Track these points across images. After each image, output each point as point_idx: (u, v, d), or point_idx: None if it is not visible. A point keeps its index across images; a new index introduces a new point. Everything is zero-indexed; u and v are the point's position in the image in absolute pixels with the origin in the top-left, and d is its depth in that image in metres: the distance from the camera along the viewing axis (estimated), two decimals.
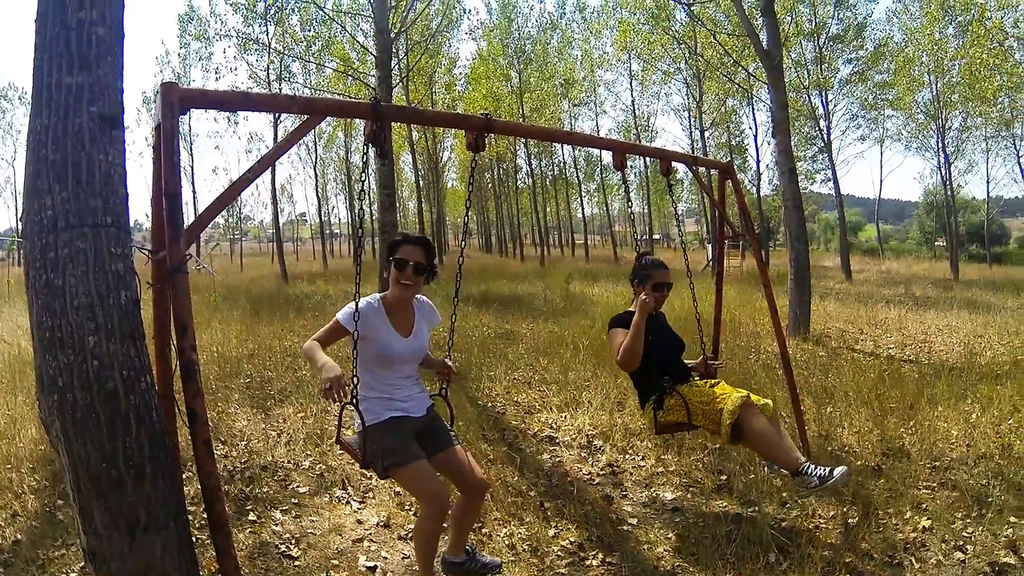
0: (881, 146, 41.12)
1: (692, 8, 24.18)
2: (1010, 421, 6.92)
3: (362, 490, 5.64)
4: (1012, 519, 4.79)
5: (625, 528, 5.01)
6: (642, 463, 6.22)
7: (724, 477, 5.71)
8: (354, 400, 3.78)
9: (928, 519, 4.84)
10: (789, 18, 27.67)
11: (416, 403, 4.10)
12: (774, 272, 21.54)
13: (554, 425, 7.36)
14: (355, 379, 3.82)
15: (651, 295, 5.02)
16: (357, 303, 3.81)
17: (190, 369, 3.00)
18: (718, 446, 6.23)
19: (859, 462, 5.91)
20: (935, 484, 5.50)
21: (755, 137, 36.16)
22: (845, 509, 5.02)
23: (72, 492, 2.98)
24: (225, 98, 3.54)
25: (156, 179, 3.32)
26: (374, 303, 3.96)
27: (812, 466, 4.47)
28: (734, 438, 4.80)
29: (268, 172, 30.07)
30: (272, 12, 29.23)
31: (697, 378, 5.41)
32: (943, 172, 34.90)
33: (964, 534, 4.66)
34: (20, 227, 3.20)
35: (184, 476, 4.11)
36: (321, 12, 27.09)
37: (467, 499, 4.03)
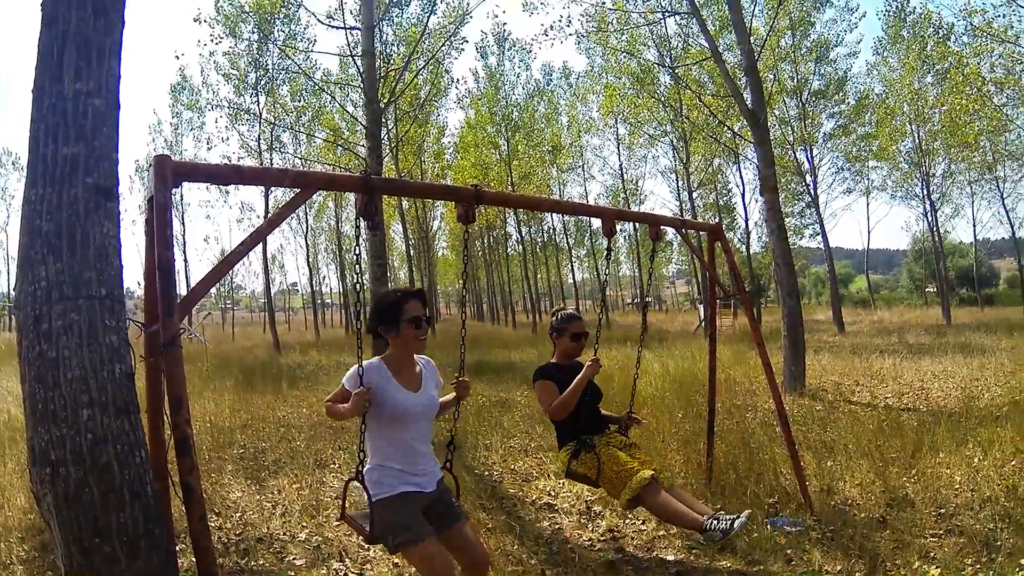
0: (867, 197, 41.38)
1: (676, 71, 24.55)
2: (1013, 463, 6.91)
3: (360, 562, 5.54)
4: (1023, 561, 4.74)
5: None
6: (643, 527, 6.13)
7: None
8: (359, 476, 3.77)
9: (937, 568, 4.78)
10: (772, 76, 28.05)
11: (429, 478, 4.05)
12: (767, 329, 21.55)
13: (552, 492, 7.27)
14: (361, 454, 3.81)
15: (594, 362, 5.44)
16: (360, 365, 3.82)
17: (185, 444, 2.97)
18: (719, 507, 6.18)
19: (863, 514, 5.86)
20: (941, 531, 5.45)
21: (743, 195, 36.45)
22: (851, 563, 4.96)
23: (63, 566, 2.94)
24: (217, 171, 3.55)
25: (149, 252, 3.32)
26: (376, 364, 3.94)
27: (713, 521, 4.81)
28: (630, 506, 5.27)
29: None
30: (263, 82, 29.64)
31: (614, 429, 5.83)
32: (929, 219, 35.28)
33: None
34: (13, 296, 3.19)
35: (178, 548, 4.04)
36: (311, 82, 27.41)
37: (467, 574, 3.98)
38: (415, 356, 4.20)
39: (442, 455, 4.32)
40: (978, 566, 4.80)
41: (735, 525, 4.68)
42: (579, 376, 5.31)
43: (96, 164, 3.04)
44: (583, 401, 5.40)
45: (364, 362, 3.85)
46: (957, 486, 6.43)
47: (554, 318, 5.97)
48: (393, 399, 3.87)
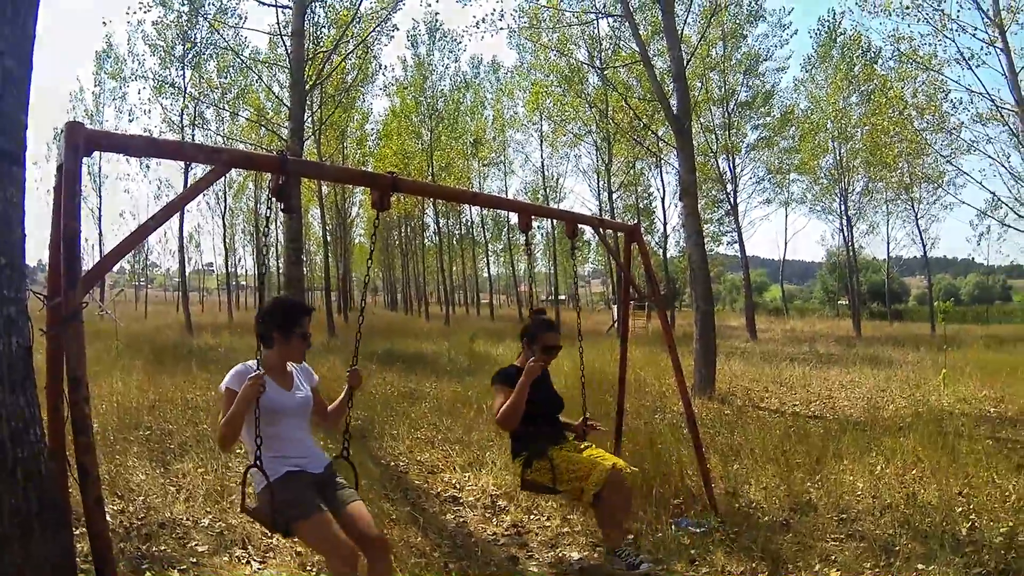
0: (786, 209, 42.30)
1: (605, 72, 24.68)
2: (914, 471, 7.11)
3: (263, 549, 5.45)
4: (919, 566, 4.87)
5: None
6: (547, 523, 6.15)
7: (631, 536, 5.67)
8: (258, 463, 3.78)
9: (837, 571, 4.88)
10: (699, 84, 28.45)
11: (312, 460, 4.11)
12: (680, 332, 21.84)
13: (458, 485, 7.26)
14: (258, 439, 3.80)
15: (540, 360, 5.15)
16: (259, 356, 3.92)
17: (82, 423, 2.87)
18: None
19: (767, 518, 5.95)
20: (843, 536, 5.57)
21: (662, 199, 36.88)
22: (754, 564, 5.03)
23: None
24: (131, 143, 3.45)
25: (55, 222, 3.20)
26: (252, 365, 3.94)
27: (627, 551, 4.90)
28: (597, 503, 5.00)
29: (176, 220, 29.63)
30: (190, 56, 29.06)
31: (572, 437, 5.58)
32: (845, 234, 36.17)
33: None
34: None
35: (77, 532, 3.91)
36: (239, 60, 26.88)
37: (371, 561, 3.94)
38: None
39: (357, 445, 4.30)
40: (877, 570, 4.91)
41: (642, 567, 4.76)
42: (521, 379, 5.02)
43: (2, 127, 2.91)
44: (541, 410, 5.25)
45: (238, 366, 3.99)
46: (859, 493, 6.58)
47: (532, 321, 5.58)
48: (266, 397, 3.88)
